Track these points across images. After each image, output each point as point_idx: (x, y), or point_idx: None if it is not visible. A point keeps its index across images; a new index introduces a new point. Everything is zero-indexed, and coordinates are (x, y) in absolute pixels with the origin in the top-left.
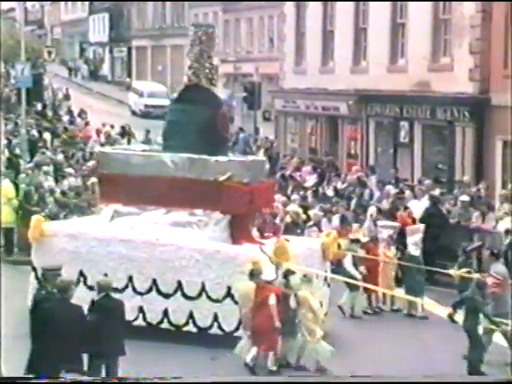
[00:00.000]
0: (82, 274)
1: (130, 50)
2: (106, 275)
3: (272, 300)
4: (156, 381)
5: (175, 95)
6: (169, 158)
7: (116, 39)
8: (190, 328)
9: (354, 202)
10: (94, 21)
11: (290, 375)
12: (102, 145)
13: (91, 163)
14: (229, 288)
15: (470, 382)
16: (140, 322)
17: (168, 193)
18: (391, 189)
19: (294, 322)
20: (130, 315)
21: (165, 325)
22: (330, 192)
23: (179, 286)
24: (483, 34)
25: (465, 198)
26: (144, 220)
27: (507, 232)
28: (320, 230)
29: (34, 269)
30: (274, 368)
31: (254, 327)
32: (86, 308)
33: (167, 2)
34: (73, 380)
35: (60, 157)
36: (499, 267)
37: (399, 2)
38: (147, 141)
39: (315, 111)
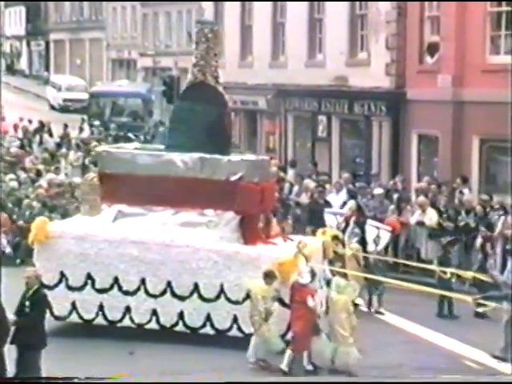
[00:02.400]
0: (89, 276)
1: (47, 43)
2: (116, 278)
3: (311, 302)
4: (154, 380)
5: (180, 93)
6: (179, 158)
7: (33, 32)
8: (208, 330)
9: None
10: (9, 14)
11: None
12: (20, 140)
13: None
14: (249, 290)
15: (471, 382)
16: (153, 324)
17: (177, 193)
18: (310, 183)
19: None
20: (142, 318)
21: (180, 327)
22: None
23: (196, 287)
24: (399, 30)
25: (379, 191)
26: (151, 220)
27: (418, 223)
28: None
29: None
30: (310, 367)
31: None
32: (94, 310)
33: None
34: (72, 380)
35: None
36: None
37: None
38: (65, 135)
39: (234, 105)
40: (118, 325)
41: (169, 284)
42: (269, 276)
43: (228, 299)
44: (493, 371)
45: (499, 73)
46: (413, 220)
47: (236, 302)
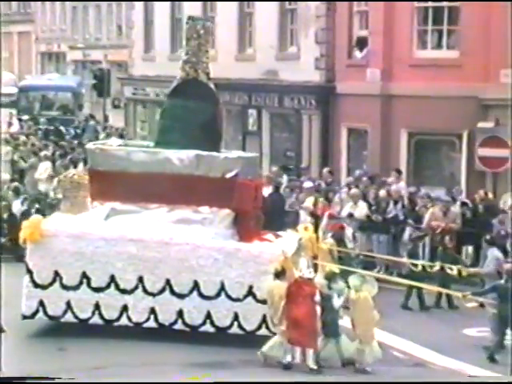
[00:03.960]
0: (85, 275)
1: None
2: (113, 276)
3: (318, 297)
4: (154, 380)
5: (171, 90)
6: (175, 155)
7: None
8: (208, 328)
9: None
10: None
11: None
12: None
13: None
14: (250, 287)
15: (471, 382)
16: (151, 323)
17: (172, 190)
18: None
19: (336, 323)
20: (140, 317)
21: (179, 326)
22: None
23: (195, 285)
24: (328, 24)
25: (308, 184)
26: (144, 218)
27: (348, 216)
28: None
29: (30, 271)
30: (314, 366)
31: (294, 324)
32: (90, 309)
33: None
34: (73, 380)
35: None
36: (496, 252)
37: None
38: None
39: (165, 99)
40: (115, 324)
41: (168, 282)
42: (281, 273)
43: (229, 297)
44: (420, 361)
45: (427, 67)
46: (344, 212)
47: (237, 300)
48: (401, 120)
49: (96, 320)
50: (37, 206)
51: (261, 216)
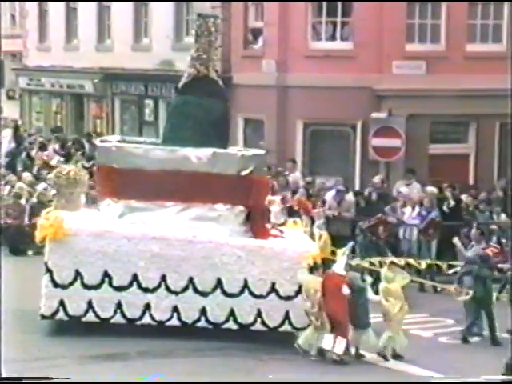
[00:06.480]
0: (106, 274)
1: None
2: (135, 275)
3: (346, 290)
4: (155, 381)
5: (180, 87)
6: (192, 153)
7: None
8: (231, 325)
9: None
10: None
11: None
12: None
13: None
14: (273, 284)
15: (470, 382)
16: (174, 321)
17: (188, 188)
18: None
19: (368, 315)
20: (162, 315)
21: (202, 323)
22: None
23: (219, 283)
24: (224, 15)
25: None
26: (159, 216)
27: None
28: None
29: (50, 271)
30: (343, 355)
31: (329, 317)
32: (112, 308)
33: None
34: (73, 380)
35: None
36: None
37: None
38: None
39: (60, 89)
40: (138, 322)
41: (191, 280)
42: (315, 268)
43: (252, 294)
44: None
45: (321, 58)
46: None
47: (260, 297)
48: (296, 110)
49: (118, 319)
50: None
51: (269, 212)
